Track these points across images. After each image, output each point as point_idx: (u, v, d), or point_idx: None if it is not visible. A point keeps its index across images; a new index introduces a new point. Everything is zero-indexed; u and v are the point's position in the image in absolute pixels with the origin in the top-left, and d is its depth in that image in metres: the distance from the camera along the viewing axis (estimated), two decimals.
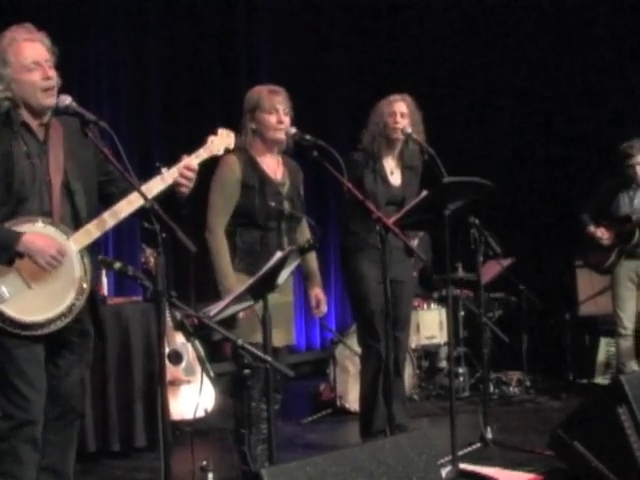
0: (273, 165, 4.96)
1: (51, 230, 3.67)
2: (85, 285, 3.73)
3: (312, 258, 5.18)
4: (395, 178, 5.83)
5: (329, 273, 9.97)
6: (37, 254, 3.59)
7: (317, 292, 5.16)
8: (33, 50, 3.73)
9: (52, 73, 3.74)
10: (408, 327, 6.04)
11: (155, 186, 3.79)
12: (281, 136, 4.86)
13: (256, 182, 4.84)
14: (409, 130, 5.66)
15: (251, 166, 4.86)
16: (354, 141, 6.02)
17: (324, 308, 5.18)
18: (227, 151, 4.16)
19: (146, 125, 8.59)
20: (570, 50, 9.25)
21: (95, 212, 3.83)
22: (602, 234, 7.18)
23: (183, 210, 3.97)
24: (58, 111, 3.75)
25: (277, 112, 4.85)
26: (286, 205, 4.90)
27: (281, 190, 4.92)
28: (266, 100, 4.86)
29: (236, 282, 4.61)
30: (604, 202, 7.26)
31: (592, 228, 7.23)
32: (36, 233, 3.62)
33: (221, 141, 4.07)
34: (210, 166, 4.60)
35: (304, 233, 5.12)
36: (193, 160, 3.91)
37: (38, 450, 3.74)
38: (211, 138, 4.05)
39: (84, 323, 3.83)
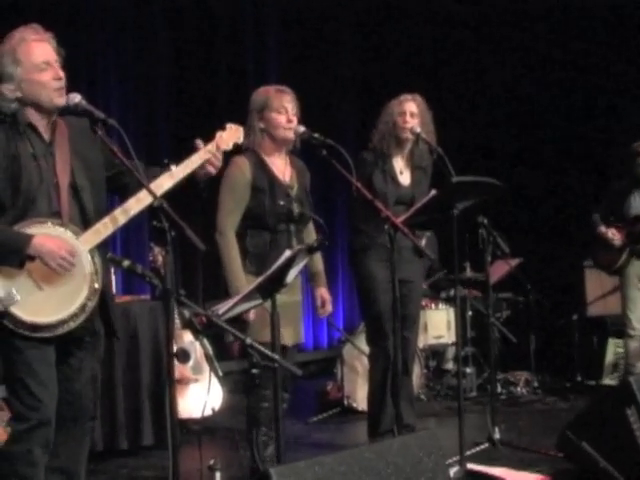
0: (281, 166, 4.97)
1: (60, 231, 3.66)
2: (97, 285, 3.72)
3: (318, 258, 5.19)
4: (404, 178, 5.82)
5: (337, 272, 9.99)
6: (48, 256, 3.57)
7: (322, 292, 5.17)
8: (43, 50, 3.73)
9: (62, 73, 3.74)
10: (417, 327, 6.04)
11: (164, 183, 3.78)
12: (290, 135, 4.87)
13: (266, 184, 4.85)
14: (418, 129, 5.64)
15: (260, 168, 4.86)
16: (362, 140, 6.02)
17: (329, 308, 5.19)
18: (236, 146, 4.15)
19: (154, 123, 8.61)
20: (577, 51, 9.24)
21: (103, 211, 3.83)
22: (613, 235, 7.13)
23: (203, 193, 3.98)
24: (67, 110, 3.75)
25: (286, 111, 4.86)
26: (295, 207, 4.91)
27: (290, 192, 4.93)
28: (275, 99, 4.87)
29: (247, 284, 4.62)
30: (615, 202, 7.21)
31: (603, 229, 7.17)
32: (46, 235, 3.61)
33: (230, 136, 4.07)
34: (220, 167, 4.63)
35: (311, 234, 5.13)
36: (203, 155, 3.90)
37: (48, 452, 3.73)
38: (219, 133, 4.04)
39: (94, 322, 3.82)
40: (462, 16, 9.74)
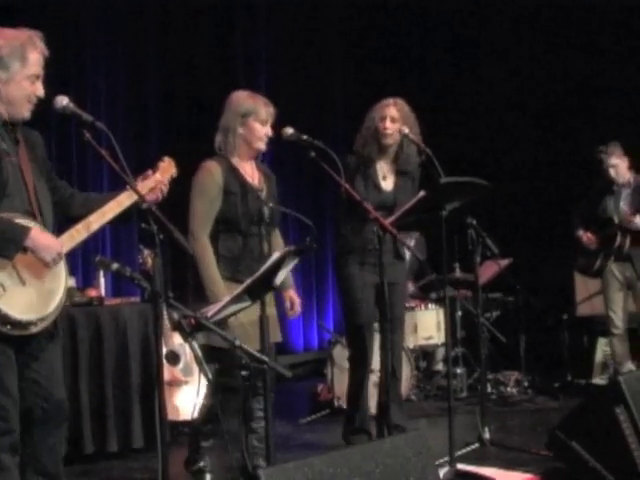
0: (250, 171, 5.00)
1: (41, 228, 3.68)
2: (66, 287, 3.77)
3: None
4: (388, 183, 5.81)
5: (327, 274, 10.01)
6: (44, 250, 3.58)
7: (291, 294, 5.14)
8: (40, 62, 3.73)
9: (43, 93, 3.76)
10: (402, 329, 6.04)
11: (124, 200, 3.83)
12: (264, 147, 4.94)
13: (237, 188, 4.86)
14: (406, 130, 5.63)
15: (231, 172, 4.88)
16: (352, 142, 6.00)
17: (298, 309, 5.14)
18: (172, 178, 4.18)
19: (143, 127, 8.60)
20: (570, 58, 9.27)
21: (53, 219, 3.84)
22: (588, 238, 7.23)
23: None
24: (55, 112, 3.75)
25: (267, 124, 4.91)
26: (266, 210, 4.93)
27: (261, 195, 4.95)
28: (263, 111, 4.90)
29: (224, 287, 4.64)
30: (593, 205, 7.29)
31: (580, 232, 7.28)
32: (40, 229, 3.63)
33: (168, 169, 4.12)
34: (191, 172, 4.69)
35: (278, 239, 5.14)
36: (153, 181, 3.99)
37: (17, 454, 3.69)
38: (161, 164, 4.10)
39: (51, 325, 3.79)
40: (456, 16, 9.77)
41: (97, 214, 3.77)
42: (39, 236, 3.59)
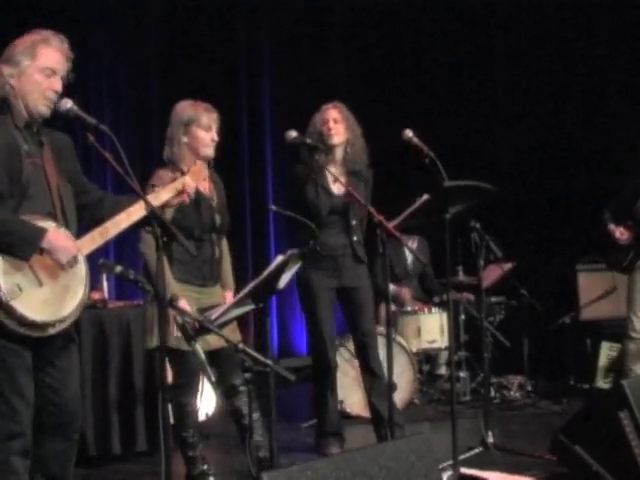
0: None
1: (62, 230, 3.69)
2: (87, 289, 3.76)
3: (226, 261, 5.20)
4: (339, 186, 5.78)
5: None
6: (60, 251, 3.59)
7: (228, 295, 5.14)
8: (57, 59, 3.78)
9: (60, 88, 3.77)
10: (374, 331, 6.00)
11: (153, 201, 3.83)
12: (212, 153, 4.98)
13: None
14: (410, 134, 5.61)
15: None
16: None
17: None
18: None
19: (147, 129, 8.61)
20: (574, 55, 9.26)
21: (76, 221, 3.86)
22: (621, 234, 7.04)
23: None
24: (58, 116, 3.77)
25: (211, 130, 4.95)
26: (217, 217, 5.00)
27: (212, 204, 5.01)
28: (204, 117, 4.96)
29: (177, 289, 4.67)
30: (628, 201, 7.14)
31: (612, 227, 7.09)
32: (57, 231, 3.64)
33: (199, 174, 4.22)
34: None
35: (224, 243, 5.18)
36: (180, 184, 4.05)
37: (28, 458, 3.69)
38: (193, 168, 4.20)
39: (71, 328, 3.81)
40: (456, 13, 9.76)
41: (123, 214, 3.78)
42: (56, 237, 3.60)
